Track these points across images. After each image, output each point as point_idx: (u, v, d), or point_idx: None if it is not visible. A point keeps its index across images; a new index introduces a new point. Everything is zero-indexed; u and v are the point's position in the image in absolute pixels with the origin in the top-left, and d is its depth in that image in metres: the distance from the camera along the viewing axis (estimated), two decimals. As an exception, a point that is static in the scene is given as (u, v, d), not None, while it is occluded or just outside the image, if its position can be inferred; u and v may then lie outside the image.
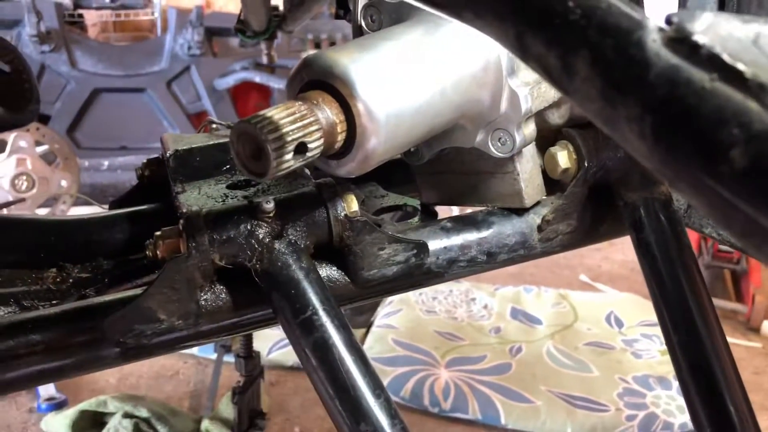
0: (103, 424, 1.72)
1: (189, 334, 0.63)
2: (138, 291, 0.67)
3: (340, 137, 0.55)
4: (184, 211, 0.63)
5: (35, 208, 2.77)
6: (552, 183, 0.74)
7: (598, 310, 2.45)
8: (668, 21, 0.31)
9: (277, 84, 3.83)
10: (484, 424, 1.87)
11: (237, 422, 0.99)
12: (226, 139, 0.82)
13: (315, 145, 0.52)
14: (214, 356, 2.05)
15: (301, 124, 0.51)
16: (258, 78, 3.81)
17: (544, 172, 0.73)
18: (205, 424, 1.70)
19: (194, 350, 2.12)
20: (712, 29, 0.31)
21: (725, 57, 0.29)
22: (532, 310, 2.43)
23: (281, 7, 1.43)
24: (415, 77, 0.58)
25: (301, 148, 0.51)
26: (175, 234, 0.62)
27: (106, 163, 3.39)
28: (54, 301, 0.77)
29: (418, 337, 2.21)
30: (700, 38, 0.30)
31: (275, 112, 0.51)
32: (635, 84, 0.30)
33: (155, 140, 3.84)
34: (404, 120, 0.57)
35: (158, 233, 0.62)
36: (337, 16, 0.84)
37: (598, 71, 0.32)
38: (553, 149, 0.72)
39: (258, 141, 0.50)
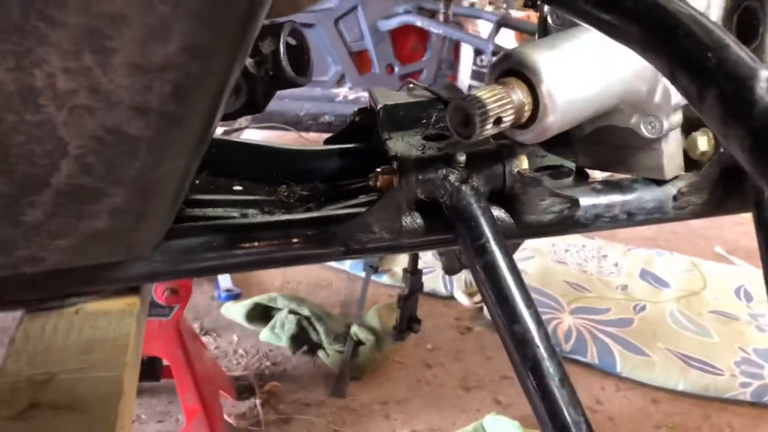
0: (271, 317, 2.05)
1: (392, 245, 0.85)
2: (352, 210, 0.90)
3: (527, 114, 0.73)
4: (398, 155, 0.85)
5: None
6: (690, 162, 0.88)
7: (729, 281, 2.50)
8: (773, 75, 0.47)
9: (436, 29, 3.97)
10: (600, 369, 2.04)
11: (398, 322, 1.23)
12: (423, 98, 1.03)
13: (508, 119, 0.72)
14: (362, 274, 2.34)
15: (500, 103, 0.70)
16: (419, 22, 3.97)
17: (685, 152, 0.88)
18: (354, 328, 1.99)
19: (346, 266, 2.42)
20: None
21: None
22: (662, 274, 2.52)
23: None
24: (588, 72, 0.75)
25: (498, 121, 0.71)
26: (391, 171, 0.83)
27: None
28: (284, 210, 1.02)
29: (547, 283, 2.38)
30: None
31: (482, 94, 0.70)
32: (743, 116, 0.47)
33: (320, 74, 4.13)
34: (576, 105, 0.74)
35: (379, 170, 0.84)
36: (525, 5, 1.01)
37: (721, 103, 0.49)
38: (695, 134, 0.86)
39: (468, 113, 0.70)
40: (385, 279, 2.35)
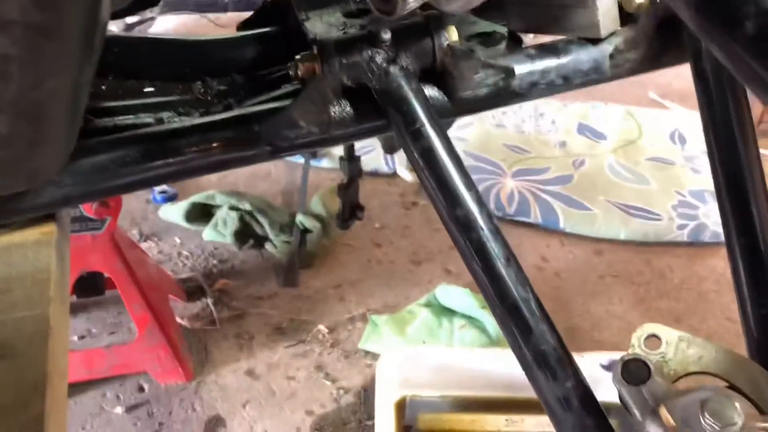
0: (211, 215, 1.99)
1: (321, 139, 0.80)
2: (275, 104, 0.84)
3: (450, -19, 0.67)
4: (317, 38, 0.77)
5: (124, 17, 2.92)
6: (625, 16, 0.84)
7: (664, 126, 2.53)
8: None
9: None
10: (544, 228, 2.08)
11: (341, 212, 1.20)
12: (340, -29, 0.94)
13: (431, -12, 0.65)
14: (301, 161, 2.28)
15: (422, -29, 0.63)
16: None
17: (619, 6, 0.83)
18: (299, 217, 1.96)
19: (284, 154, 2.35)
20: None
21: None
22: (599, 126, 2.53)
23: None
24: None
25: (421, -9, 0.64)
26: (311, 58, 0.76)
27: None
28: (201, 109, 0.95)
29: (486, 149, 2.37)
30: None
31: (401, -39, 0.63)
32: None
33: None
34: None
35: (298, 57, 0.77)
36: None
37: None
38: (629, -13, 0.81)
39: (388, -14, 0.63)
40: (324, 163, 2.30)
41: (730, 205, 0.82)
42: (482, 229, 0.69)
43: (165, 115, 0.93)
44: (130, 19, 2.55)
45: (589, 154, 2.37)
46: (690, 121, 2.55)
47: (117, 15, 0.71)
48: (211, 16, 2.97)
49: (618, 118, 2.57)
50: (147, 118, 0.91)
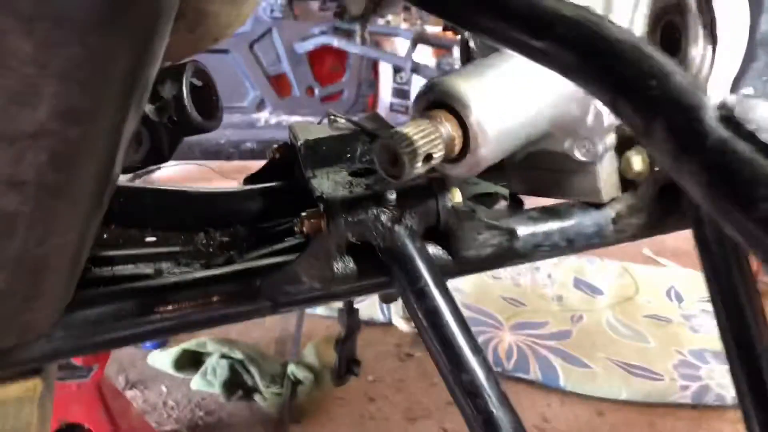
0: (201, 362, 1.94)
1: (324, 294, 0.79)
2: (277, 259, 0.84)
3: (457, 147, 0.68)
4: (323, 196, 0.78)
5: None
6: (626, 182, 0.86)
7: (660, 284, 2.54)
8: (722, 105, 0.44)
9: (353, 49, 3.94)
10: (543, 385, 2.02)
11: (336, 367, 1.16)
12: (345, 131, 0.97)
13: (438, 155, 0.66)
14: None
15: (429, 139, 0.65)
16: (336, 43, 3.93)
17: (620, 173, 0.85)
18: (291, 367, 1.90)
19: (279, 301, 2.32)
20: (755, 112, 0.43)
21: (762, 136, 0.41)
22: (595, 281, 2.53)
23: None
24: (518, 100, 0.71)
25: (428, 157, 0.66)
26: (318, 215, 0.77)
27: (192, 121, 3.58)
28: (203, 261, 0.94)
29: (483, 301, 2.36)
30: (744, 119, 0.42)
31: (409, 129, 0.65)
32: (696, 149, 0.43)
33: (238, 100, 4.03)
34: (508, 134, 0.70)
35: (304, 213, 0.78)
36: (445, 29, 0.97)
37: (671, 136, 0.45)
38: (629, 153, 0.83)
39: (396, 152, 0.64)
40: (320, 311, 2.27)
41: (742, 373, 0.80)
42: (489, 397, 0.66)
43: (165, 265, 0.92)
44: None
45: (587, 309, 2.36)
46: (685, 279, 2.56)
47: (126, 170, 0.72)
48: (215, 164, 3.06)
49: (614, 274, 2.58)
50: (147, 268, 0.90)
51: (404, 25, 4.26)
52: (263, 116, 3.75)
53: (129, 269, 0.90)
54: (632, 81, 0.47)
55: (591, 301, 2.42)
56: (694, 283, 2.52)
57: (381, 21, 4.12)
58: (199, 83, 0.69)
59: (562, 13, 0.50)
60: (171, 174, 2.88)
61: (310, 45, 4.02)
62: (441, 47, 4.04)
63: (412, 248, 0.75)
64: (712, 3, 0.84)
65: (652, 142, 0.46)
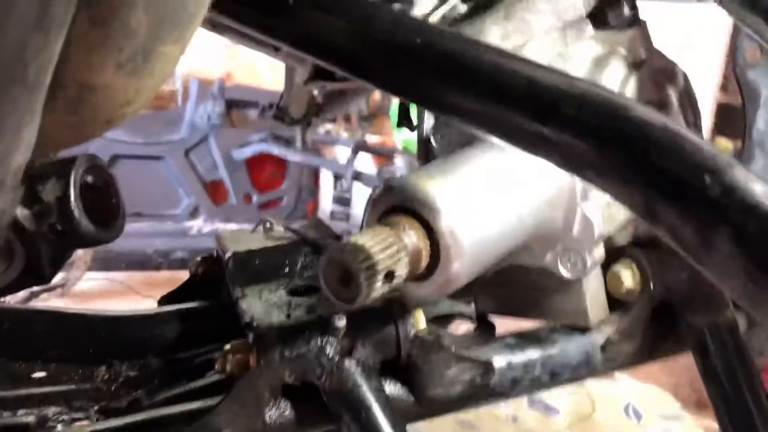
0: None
1: (252, 452, 0.61)
2: (194, 404, 0.66)
3: (424, 262, 0.55)
4: (254, 324, 0.62)
5: (48, 273, 2.75)
6: (614, 301, 0.73)
7: (617, 400, 2.40)
8: None
9: (293, 157, 3.87)
10: None
11: None
12: (283, 241, 0.83)
13: (402, 272, 0.52)
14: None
15: (390, 252, 0.51)
16: (276, 150, 3.86)
17: (606, 291, 0.72)
18: None
19: None
20: None
21: None
22: (550, 399, 2.38)
23: (318, 96, 1.45)
24: (496, 203, 0.58)
25: (389, 275, 0.51)
26: (246, 349, 0.61)
27: (120, 229, 3.37)
28: (102, 403, 0.75)
29: (436, 426, 2.16)
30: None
31: (365, 240, 0.51)
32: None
33: (171, 207, 3.86)
34: (485, 245, 0.57)
35: (227, 347, 0.62)
36: (399, 125, 0.86)
37: (742, 250, 0.32)
38: (617, 268, 0.72)
39: (349, 269, 0.50)
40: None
41: None
42: None
43: (52, 411, 0.73)
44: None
45: (544, 430, 2.19)
46: (642, 394, 2.44)
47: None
48: (141, 275, 2.85)
49: (568, 390, 2.44)
50: (28, 416, 0.71)
51: (345, 134, 4.24)
52: (197, 224, 3.57)
53: (4, 418, 0.71)
54: (677, 177, 0.34)
55: (547, 422, 2.25)
56: (651, 398, 2.40)
57: (321, 130, 4.09)
58: (94, 182, 0.54)
59: (571, 89, 0.38)
60: (88, 288, 2.64)
61: (248, 152, 3.93)
62: (382, 155, 4.02)
63: (365, 389, 0.60)
64: (695, 99, 0.76)
65: (711, 257, 0.33)
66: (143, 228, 3.54)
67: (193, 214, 3.89)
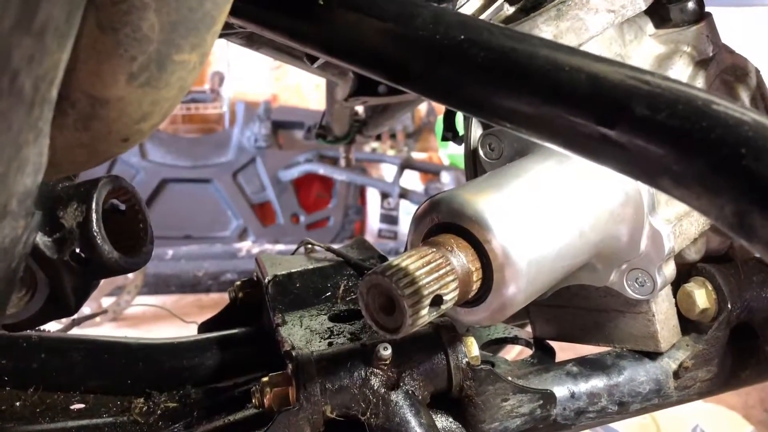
0: None
1: (293, 493, 0.57)
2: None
3: (475, 285, 0.49)
4: (293, 353, 0.58)
5: (100, 297, 2.79)
6: (686, 322, 0.66)
7: (683, 422, 2.28)
8: None
9: (339, 176, 3.86)
10: None
11: None
12: (325, 263, 0.78)
13: (450, 297, 0.47)
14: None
15: (437, 275, 0.46)
16: (322, 170, 3.85)
17: (678, 313, 0.66)
18: None
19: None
20: None
21: None
22: (613, 423, 2.27)
23: (362, 113, 1.42)
24: (554, 217, 0.53)
25: (437, 301, 0.46)
26: (285, 381, 0.56)
27: (170, 252, 3.41)
28: (140, 436, 0.72)
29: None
30: None
31: (409, 262, 0.46)
32: None
33: (220, 229, 3.89)
34: (545, 265, 0.51)
35: (265, 379, 0.57)
36: (444, 139, 0.81)
37: None
38: (688, 287, 0.65)
39: (392, 295, 0.45)
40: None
41: None
42: None
43: (90, 444, 0.70)
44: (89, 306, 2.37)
45: (606, 455, 2.08)
46: (710, 416, 2.31)
47: (13, 327, 0.52)
48: (193, 297, 2.86)
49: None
50: (65, 449, 0.68)
51: (390, 152, 4.22)
52: (245, 246, 3.58)
53: (40, 452, 0.68)
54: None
55: (609, 446, 2.14)
56: (721, 421, 2.27)
57: (367, 148, 4.07)
58: (120, 206, 0.51)
59: (643, 86, 0.33)
60: (140, 312, 2.65)
61: (295, 172, 3.94)
62: (428, 172, 3.98)
63: (414, 424, 0.54)
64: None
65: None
66: (193, 250, 3.57)
67: (242, 235, 3.91)
